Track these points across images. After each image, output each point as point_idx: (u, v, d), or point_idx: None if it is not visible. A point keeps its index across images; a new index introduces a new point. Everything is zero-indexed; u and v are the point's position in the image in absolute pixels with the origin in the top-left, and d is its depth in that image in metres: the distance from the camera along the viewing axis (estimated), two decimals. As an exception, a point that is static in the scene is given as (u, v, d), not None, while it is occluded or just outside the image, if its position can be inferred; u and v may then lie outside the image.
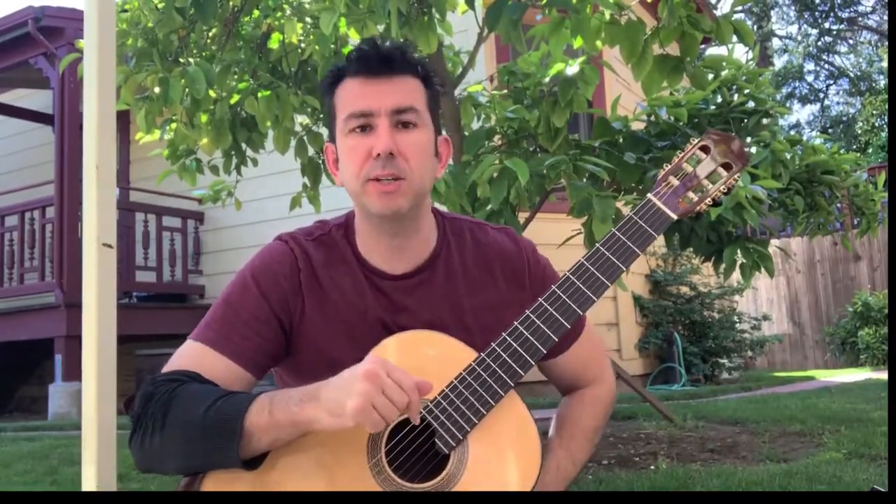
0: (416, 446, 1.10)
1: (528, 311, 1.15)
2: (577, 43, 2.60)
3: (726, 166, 1.19)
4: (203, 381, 1.13)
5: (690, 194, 1.18)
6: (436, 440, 1.10)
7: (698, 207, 1.18)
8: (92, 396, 1.47)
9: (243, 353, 1.18)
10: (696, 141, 1.21)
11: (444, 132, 1.32)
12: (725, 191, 1.19)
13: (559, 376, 1.36)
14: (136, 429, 1.10)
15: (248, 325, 1.19)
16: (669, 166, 1.20)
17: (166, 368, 1.17)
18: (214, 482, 1.09)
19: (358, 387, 0.98)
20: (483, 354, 1.13)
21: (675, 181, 1.19)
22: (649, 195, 1.18)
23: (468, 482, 1.09)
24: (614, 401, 1.40)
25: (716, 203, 1.19)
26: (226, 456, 1.03)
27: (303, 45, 3.15)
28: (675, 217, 1.17)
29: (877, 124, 20.03)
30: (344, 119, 1.19)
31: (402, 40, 3.07)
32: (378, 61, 1.18)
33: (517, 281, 1.31)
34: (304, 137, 3.54)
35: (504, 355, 1.12)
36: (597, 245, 1.17)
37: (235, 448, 1.02)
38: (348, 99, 1.19)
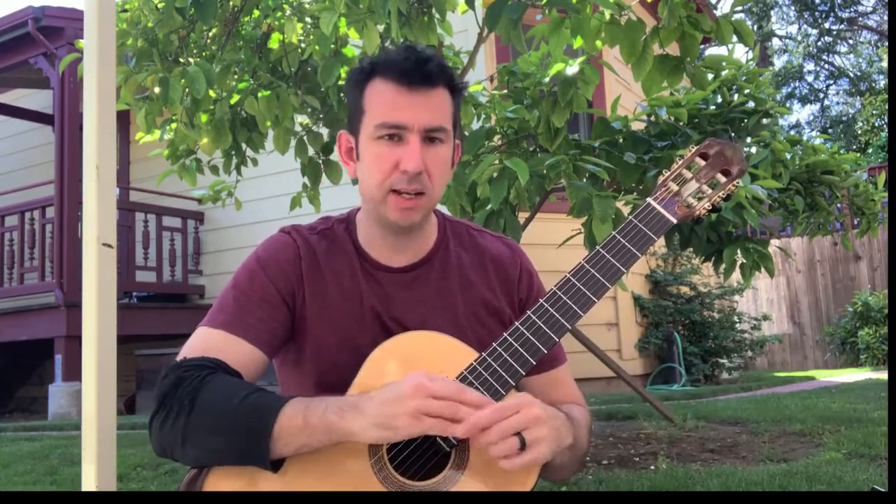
0: (418, 444, 1.11)
1: (529, 312, 1.16)
2: (577, 43, 2.60)
3: (725, 173, 1.21)
4: (228, 369, 1.15)
5: (689, 199, 1.20)
6: (437, 438, 1.10)
7: (697, 212, 1.20)
8: (92, 396, 1.47)
9: (258, 334, 1.20)
10: (696, 148, 1.23)
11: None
12: (724, 196, 1.21)
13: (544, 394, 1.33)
14: (159, 409, 1.11)
15: (260, 308, 1.21)
16: (669, 172, 1.23)
17: (186, 355, 1.16)
18: (217, 478, 1.10)
19: (407, 403, 1.00)
20: (484, 354, 1.14)
21: (674, 186, 1.21)
22: (649, 199, 1.20)
23: (469, 480, 1.09)
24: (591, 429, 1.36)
25: (715, 209, 1.21)
26: (253, 453, 1.04)
27: (303, 45, 3.15)
28: (674, 221, 1.18)
29: (877, 124, 20.05)
30: (375, 125, 1.19)
31: (402, 40, 3.07)
32: (418, 75, 1.17)
33: (509, 284, 1.34)
34: (304, 137, 3.54)
35: (505, 355, 1.13)
36: (597, 247, 1.18)
37: (265, 447, 1.03)
38: (381, 105, 1.19)
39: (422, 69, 1.17)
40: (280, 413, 1.04)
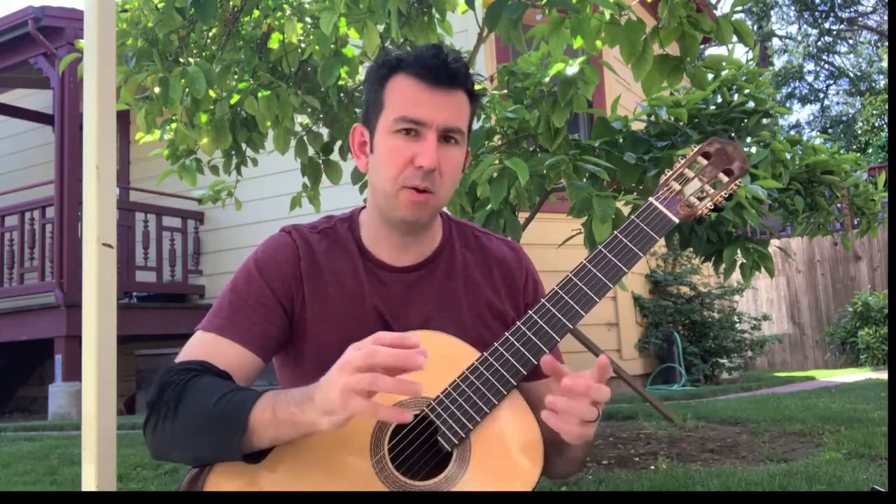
0: (419, 444, 1.11)
1: (531, 312, 1.16)
2: (577, 43, 2.60)
3: (727, 172, 1.20)
4: (216, 370, 1.15)
5: (692, 199, 1.19)
6: (438, 438, 1.10)
7: (699, 212, 1.19)
8: (92, 396, 1.47)
9: (251, 337, 1.20)
10: (698, 147, 1.22)
11: None
12: (727, 196, 1.20)
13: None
14: (150, 415, 1.13)
15: (255, 311, 1.22)
16: (671, 171, 1.22)
17: (179, 359, 1.19)
18: (218, 478, 1.10)
19: (337, 381, 0.97)
20: (486, 354, 1.14)
21: (676, 186, 1.20)
22: (651, 199, 1.20)
23: (470, 480, 1.09)
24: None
25: (717, 209, 1.20)
26: (228, 448, 1.05)
27: (303, 45, 3.15)
28: (676, 221, 1.18)
29: (877, 124, 20.06)
30: (394, 119, 1.19)
31: (402, 40, 3.07)
32: (445, 75, 1.18)
33: (514, 287, 1.34)
34: (304, 137, 3.54)
35: (507, 354, 1.13)
36: (598, 247, 1.17)
37: (237, 441, 1.04)
38: (403, 100, 1.19)
39: (448, 68, 1.18)
40: (252, 408, 1.04)
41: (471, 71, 1.24)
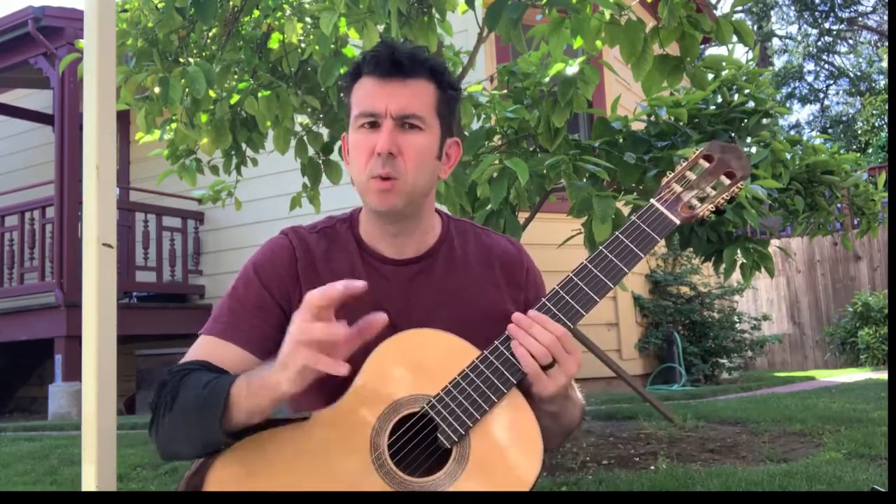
0: (419, 441, 1.11)
1: (532, 311, 1.16)
2: (577, 43, 2.60)
3: (729, 175, 1.20)
4: (213, 368, 1.18)
5: (693, 201, 1.20)
6: (438, 435, 1.11)
7: (701, 214, 1.19)
8: (92, 396, 1.47)
9: (250, 339, 1.23)
10: (700, 150, 1.22)
11: (454, 134, 1.34)
12: (728, 199, 1.20)
13: None
14: (153, 416, 1.17)
15: (253, 314, 1.25)
16: (672, 174, 1.22)
17: (181, 363, 1.22)
18: (216, 473, 1.10)
19: (290, 334, 1.04)
20: (486, 352, 1.14)
21: (677, 188, 1.21)
22: (652, 200, 1.20)
23: (469, 477, 1.09)
24: (582, 419, 1.37)
25: (719, 211, 1.20)
26: (211, 426, 1.06)
27: (303, 45, 3.15)
28: (677, 222, 1.18)
29: (877, 124, 20.06)
30: (355, 116, 1.25)
31: (402, 40, 3.07)
32: (389, 64, 1.22)
33: (515, 282, 1.35)
34: (304, 137, 3.54)
35: (507, 353, 1.14)
36: (599, 247, 1.18)
37: (219, 416, 1.05)
38: (361, 97, 1.25)
39: (391, 58, 1.22)
40: (233, 383, 1.07)
41: (427, 57, 1.25)
